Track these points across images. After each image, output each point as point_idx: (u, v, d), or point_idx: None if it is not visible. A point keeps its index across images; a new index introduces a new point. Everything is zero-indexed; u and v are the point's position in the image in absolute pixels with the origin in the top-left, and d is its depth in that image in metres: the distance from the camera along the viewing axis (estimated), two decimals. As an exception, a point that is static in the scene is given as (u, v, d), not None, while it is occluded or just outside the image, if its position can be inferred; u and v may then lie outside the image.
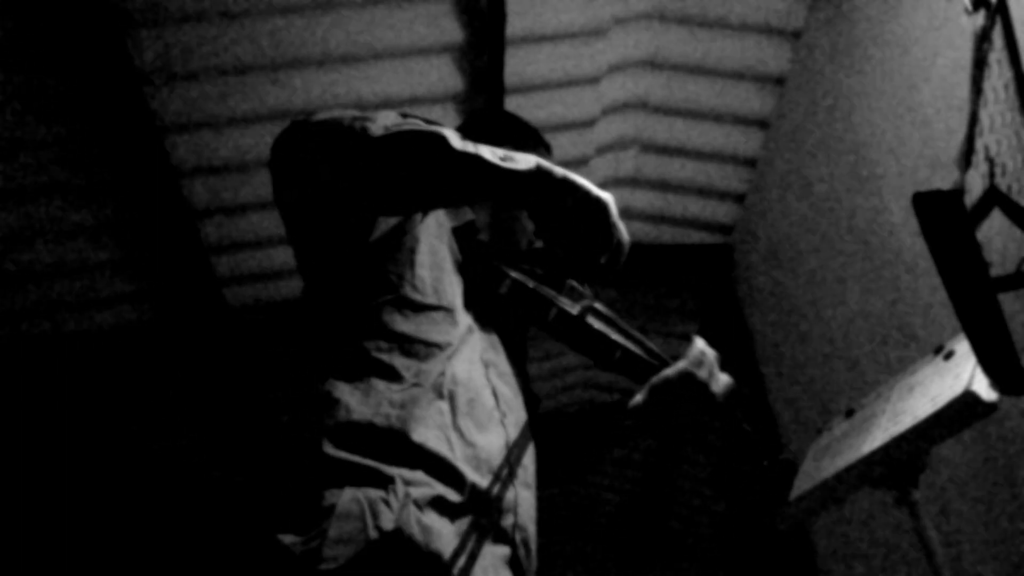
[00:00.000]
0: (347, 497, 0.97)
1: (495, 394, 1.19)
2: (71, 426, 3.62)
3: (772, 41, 2.88)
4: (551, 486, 1.43)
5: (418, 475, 1.02)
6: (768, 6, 2.78)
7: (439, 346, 1.14)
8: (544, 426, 1.41)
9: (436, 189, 1.13)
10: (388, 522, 0.95)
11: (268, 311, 3.35)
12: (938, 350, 1.34)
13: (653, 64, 3.02)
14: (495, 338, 1.29)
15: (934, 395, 1.20)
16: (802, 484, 1.36)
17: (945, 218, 0.90)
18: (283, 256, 3.14)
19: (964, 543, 2.04)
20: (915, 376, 1.35)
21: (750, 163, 3.31)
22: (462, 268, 1.29)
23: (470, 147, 1.10)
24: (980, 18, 1.12)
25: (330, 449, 1.02)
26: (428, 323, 1.16)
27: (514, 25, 2.67)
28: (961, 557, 2.05)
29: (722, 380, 1.37)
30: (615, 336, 1.35)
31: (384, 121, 1.11)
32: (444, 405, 1.10)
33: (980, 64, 1.08)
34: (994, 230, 0.97)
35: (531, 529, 1.15)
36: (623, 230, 1.12)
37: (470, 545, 1.02)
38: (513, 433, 1.18)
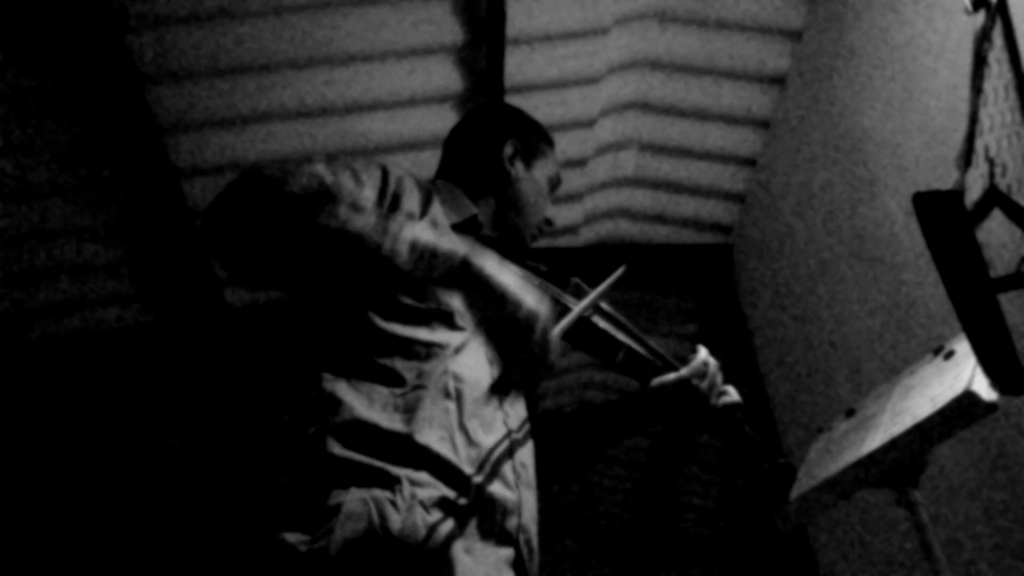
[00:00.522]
0: (354, 497, 0.97)
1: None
2: (72, 426, 3.62)
3: (772, 41, 2.88)
4: (551, 486, 1.43)
5: (423, 476, 1.01)
6: (768, 6, 2.78)
7: (440, 346, 1.13)
8: (544, 426, 1.41)
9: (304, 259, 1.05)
10: (395, 523, 0.95)
11: (268, 311, 3.35)
12: (938, 350, 1.34)
13: (653, 64, 3.02)
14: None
15: (934, 395, 1.20)
16: (802, 484, 1.36)
17: (945, 218, 0.90)
18: (283, 256, 3.14)
19: (964, 543, 2.04)
20: (915, 376, 1.35)
21: (750, 163, 3.31)
22: None
23: (358, 222, 1.02)
24: (980, 18, 1.12)
25: (337, 449, 1.01)
26: (427, 326, 1.15)
27: (514, 25, 2.68)
28: (961, 557, 2.05)
29: (724, 396, 1.38)
30: (620, 336, 1.35)
31: (301, 179, 1.04)
32: (451, 405, 1.09)
33: (980, 64, 1.08)
34: (994, 230, 0.97)
35: (533, 530, 1.15)
36: (552, 344, 1.03)
37: (475, 547, 1.02)
38: (516, 433, 1.18)
